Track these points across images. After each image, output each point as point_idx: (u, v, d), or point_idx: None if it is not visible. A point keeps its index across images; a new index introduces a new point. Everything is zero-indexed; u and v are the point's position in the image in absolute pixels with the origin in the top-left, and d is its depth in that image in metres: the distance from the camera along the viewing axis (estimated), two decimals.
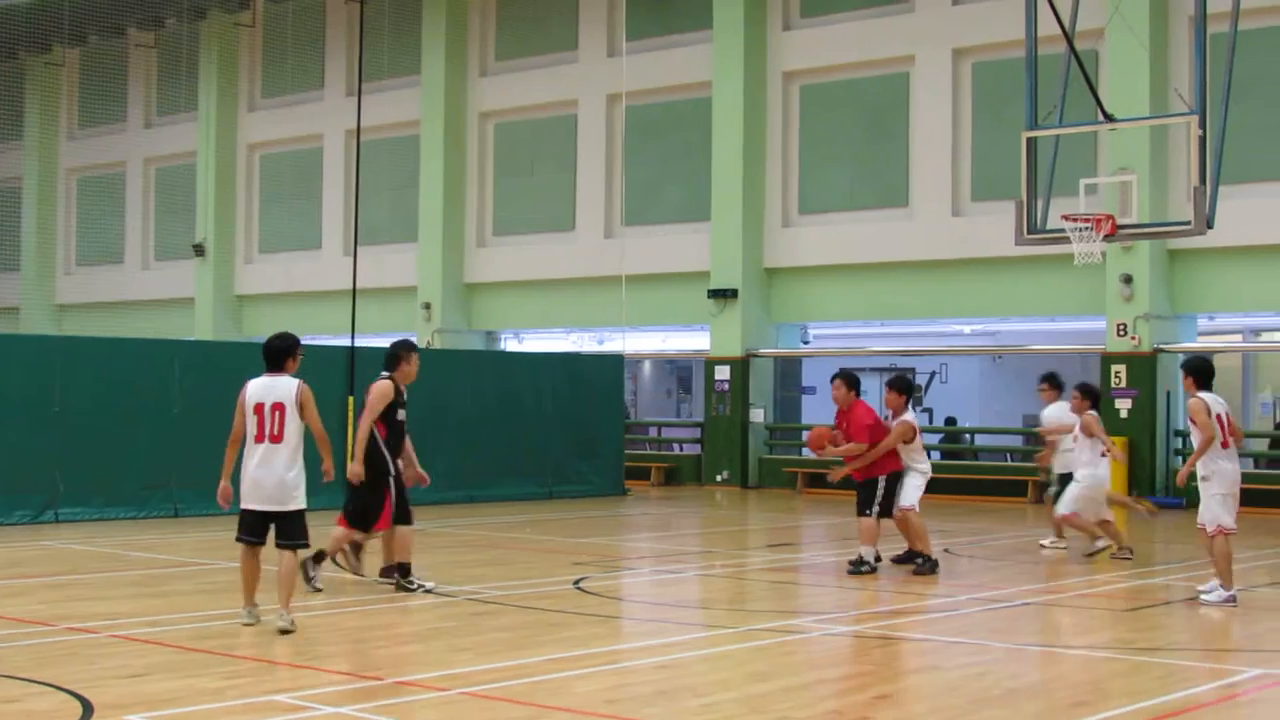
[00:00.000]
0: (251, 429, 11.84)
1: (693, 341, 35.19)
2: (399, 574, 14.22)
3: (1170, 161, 27.56)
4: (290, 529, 11.86)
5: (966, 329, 33.94)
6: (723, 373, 32.57)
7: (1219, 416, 14.12)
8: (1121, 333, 28.06)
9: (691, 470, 33.50)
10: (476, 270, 37.48)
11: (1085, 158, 26.95)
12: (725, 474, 32.42)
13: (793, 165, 32.81)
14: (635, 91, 33.79)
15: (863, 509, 16.13)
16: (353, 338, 25.01)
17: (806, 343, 33.74)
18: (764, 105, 32.87)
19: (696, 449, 34.34)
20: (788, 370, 34.18)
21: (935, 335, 34.50)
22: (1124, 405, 28.00)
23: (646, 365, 40.43)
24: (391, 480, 14.04)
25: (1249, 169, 26.62)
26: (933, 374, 37.52)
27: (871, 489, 16.14)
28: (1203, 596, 14.15)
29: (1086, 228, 19.87)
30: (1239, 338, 30.80)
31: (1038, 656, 10.97)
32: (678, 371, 40.62)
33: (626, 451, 30.77)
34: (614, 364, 30.35)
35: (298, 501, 11.84)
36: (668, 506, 27.39)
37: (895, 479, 16.29)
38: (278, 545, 11.89)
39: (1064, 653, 11.14)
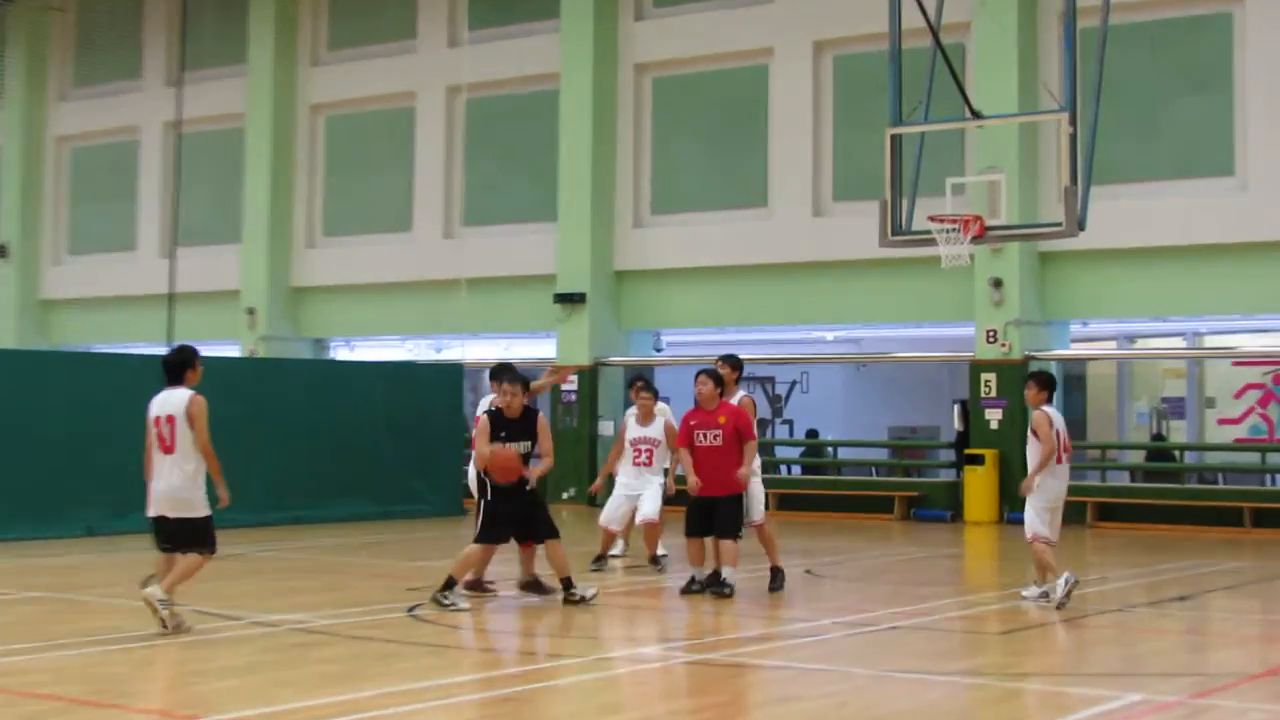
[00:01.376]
0: (155, 442, 12.96)
1: (538, 349, 34.94)
2: (467, 588, 15.17)
3: (1040, 160, 27.87)
4: (191, 535, 12.92)
5: (829, 336, 34.00)
6: (570, 382, 32.40)
7: (1057, 431, 15.07)
8: (991, 339, 28.28)
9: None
10: (305, 273, 37.00)
11: (952, 156, 27.16)
12: (571, 491, 32.22)
13: (645, 162, 32.78)
14: (477, 83, 33.59)
15: (735, 530, 15.57)
16: (170, 346, 24.54)
17: (659, 350, 33.70)
18: (614, 99, 32.81)
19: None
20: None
21: (796, 343, 34.52)
22: (994, 416, 28.23)
23: (488, 376, 40.13)
24: (485, 501, 14.80)
25: (1121, 169, 27.07)
26: (793, 383, 37.66)
27: (739, 505, 15.63)
28: (1023, 593, 15.34)
29: (953, 229, 19.94)
30: (1113, 344, 31.27)
31: (905, 684, 10.91)
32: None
33: (466, 468, 30.37)
34: (453, 374, 30.10)
35: (194, 509, 12.90)
36: None
37: None
38: (181, 550, 12.91)
39: (933, 679, 11.10)
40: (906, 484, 30.49)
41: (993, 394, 28.25)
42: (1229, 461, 29.54)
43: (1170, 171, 27.62)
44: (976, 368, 28.60)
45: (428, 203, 35.30)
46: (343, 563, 18.36)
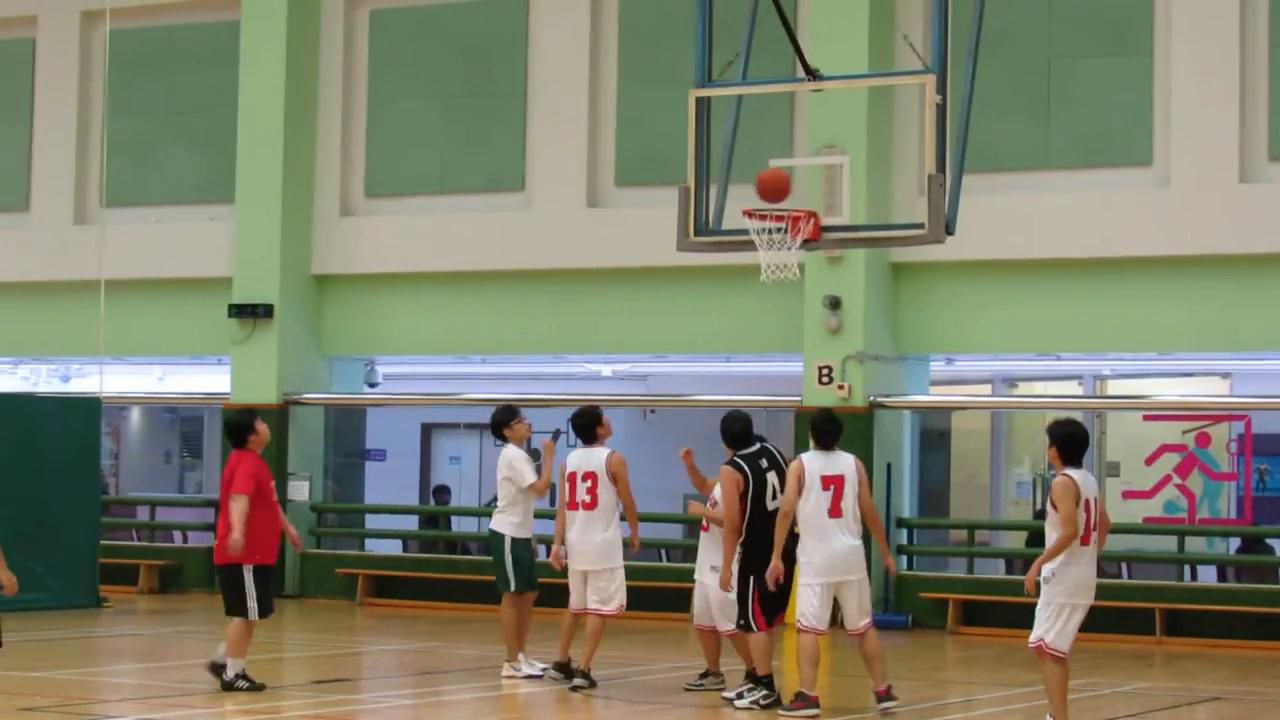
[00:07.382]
0: None
1: (205, 380, 34.70)
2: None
3: (897, 140, 27.96)
4: None
5: (606, 370, 34.09)
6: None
7: (1087, 503, 15.69)
8: (825, 379, 28.10)
9: (199, 570, 32.72)
10: None
11: (779, 131, 27.32)
12: None
13: (358, 126, 32.59)
14: (125, 9, 33.05)
15: None
16: None
17: (374, 385, 33.62)
18: (317, 38, 32.53)
19: (208, 538, 33.75)
20: (344, 424, 33.92)
21: (561, 378, 34.65)
22: None
23: (135, 414, 39.79)
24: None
25: (1005, 154, 27.33)
26: (557, 433, 37.47)
27: None
28: None
29: (778, 229, 19.84)
30: (988, 389, 31.83)
31: None
32: (182, 424, 40.03)
33: (103, 543, 30.12)
34: (86, 412, 29.73)
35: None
36: (164, 623, 27.15)
37: None
38: None
39: None
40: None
41: None
42: (1135, 549, 29.41)
43: (1068, 159, 27.76)
44: (804, 418, 26.92)
45: (52, 173, 34.74)
46: None
